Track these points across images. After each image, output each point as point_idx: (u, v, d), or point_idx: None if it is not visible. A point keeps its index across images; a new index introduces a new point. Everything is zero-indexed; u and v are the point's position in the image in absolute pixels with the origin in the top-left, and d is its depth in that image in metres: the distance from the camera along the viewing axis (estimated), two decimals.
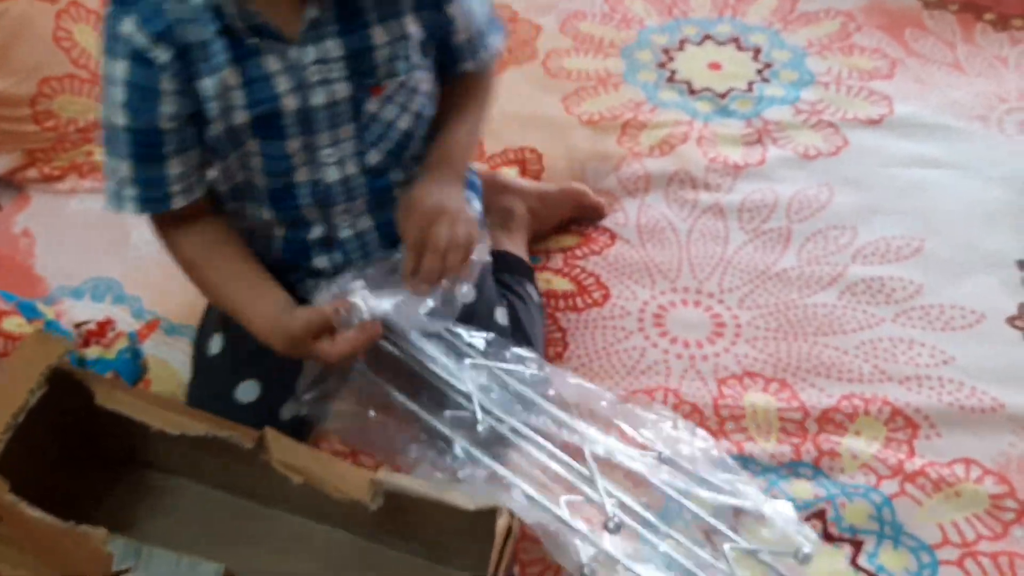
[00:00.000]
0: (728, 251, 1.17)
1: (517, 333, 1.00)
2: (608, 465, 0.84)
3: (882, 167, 1.28)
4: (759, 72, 1.43)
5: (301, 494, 0.78)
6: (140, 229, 1.24)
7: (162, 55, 0.78)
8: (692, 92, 1.40)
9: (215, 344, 0.99)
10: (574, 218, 1.23)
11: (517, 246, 1.15)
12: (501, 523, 0.73)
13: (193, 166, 0.85)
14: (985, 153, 1.29)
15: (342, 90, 0.85)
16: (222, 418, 0.82)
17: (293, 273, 0.98)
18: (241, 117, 0.83)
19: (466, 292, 0.85)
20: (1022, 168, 1.27)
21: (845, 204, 1.22)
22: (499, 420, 0.84)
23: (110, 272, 1.19)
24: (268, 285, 0.88)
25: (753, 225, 1.20)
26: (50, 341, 0.88)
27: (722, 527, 0.83)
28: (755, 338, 1.07)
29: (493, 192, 1.14)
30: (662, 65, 1.45)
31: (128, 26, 0.77)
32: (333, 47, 0.83)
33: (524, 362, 0.88)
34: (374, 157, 0.91)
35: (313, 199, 0.91)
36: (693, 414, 0.99)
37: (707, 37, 1.51)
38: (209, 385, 0.98)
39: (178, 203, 0.85)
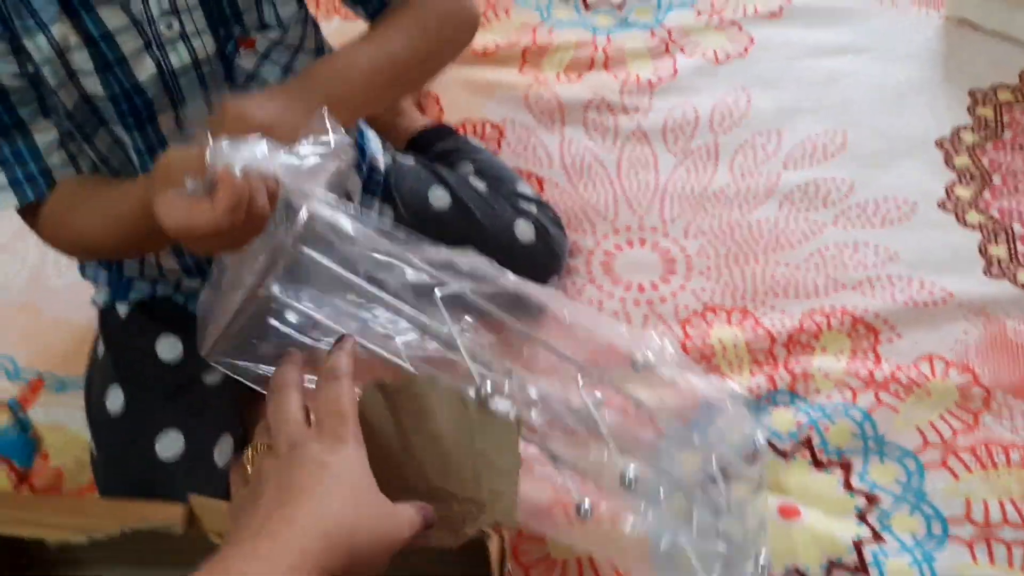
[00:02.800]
0: (661, 178, 1.12)
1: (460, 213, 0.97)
2: None
3: (791, 61, 1.25)
4: None
5: None
6: None
7: None
8: (587, 7, 1.32)
9: (114, 398, 0.84)
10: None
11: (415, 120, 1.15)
12: (493, 548, 0.65)
13: (65, 133, 0.72)
14: (886, 31, 1.28)
15: (206, 45, 0.72)
16: (142, 485, 0.71)
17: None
18: (94, 86, 0.70)
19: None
20: (922, 42, 1.27)
21: (764, 108, 1.19)
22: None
23: None
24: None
25: (680, 145, 1.15)
26: None
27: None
28: (708, 268, 1.04)
29: None
30: None
31: None
32: None
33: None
34: None
35: None
36: None
37: None
38: (119, 449, 0.83)
39: (60, 175, 0.72)
